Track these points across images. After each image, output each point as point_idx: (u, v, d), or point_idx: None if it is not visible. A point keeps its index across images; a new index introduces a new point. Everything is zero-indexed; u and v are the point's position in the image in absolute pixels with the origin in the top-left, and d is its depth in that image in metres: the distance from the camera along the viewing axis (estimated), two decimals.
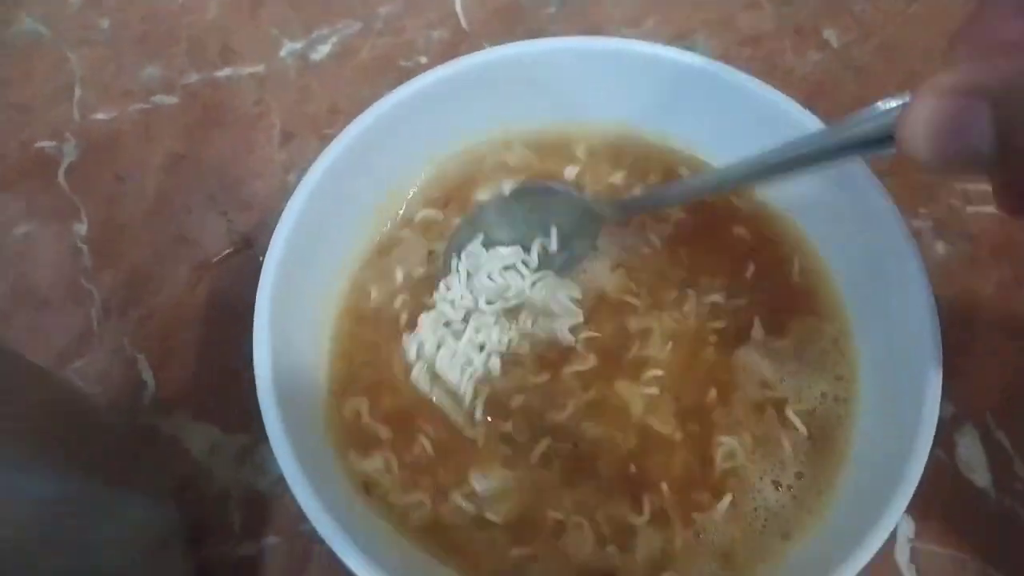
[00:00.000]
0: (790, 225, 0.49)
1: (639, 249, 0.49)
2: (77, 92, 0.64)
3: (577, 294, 0.47)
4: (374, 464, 0.43)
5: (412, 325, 0.47)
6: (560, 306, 0.46)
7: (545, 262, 0.49)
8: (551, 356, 0.46)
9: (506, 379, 0.45)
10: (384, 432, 0.44)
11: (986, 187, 0.56)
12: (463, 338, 0.46)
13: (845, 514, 0.41)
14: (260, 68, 0.64)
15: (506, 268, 0.48)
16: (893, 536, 0.45)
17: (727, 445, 0.43)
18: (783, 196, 0.50)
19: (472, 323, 0.46)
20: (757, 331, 0.47)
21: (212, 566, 0.45)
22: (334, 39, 0.66)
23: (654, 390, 0.45)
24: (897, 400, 0.41)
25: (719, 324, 0.47)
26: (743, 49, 0.65)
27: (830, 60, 0.64)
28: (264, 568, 0.45)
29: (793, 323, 0.47)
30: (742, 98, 0.47)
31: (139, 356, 0.52)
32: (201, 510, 0.47)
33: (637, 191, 0.51)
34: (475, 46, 0.49)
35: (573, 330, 0.46)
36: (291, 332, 0.43)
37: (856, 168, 0.44)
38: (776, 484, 0.43)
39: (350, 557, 0.35)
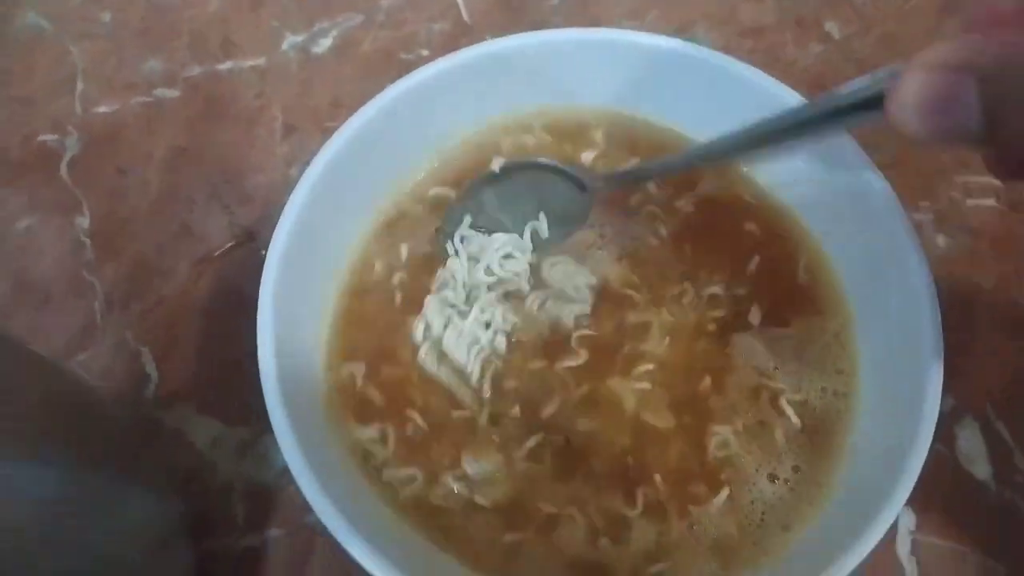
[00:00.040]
0: (795, 219, 0.49)
1: (646, 239, 0.49)
2: (79, 85, 0.64)
3: (592, 280, 0.47)
4: (370, 433, 0.44)
5: (414, 303, 0.47)
6: (576, 292, 0.47)
7: (537, 239, 0.49)
8: (552, 343, 0.46)
9: (511, 360, 0.46)
10: (379, 400, 0.45)
11: (987, 180, 0.57)
12: (469, 317, 0.46)
13: (845, 506, 0.41)
14: (261, 61, 0.64)
15: (505, 256, 0.48)
16: (894, 528, 0.46)
17: (721, 435, 0.43)
18: (788, 190, 0.50)
19: (477, 303, 0.46)
20: (754, 315, 0.47)
21: (216, 558, 0.45)
22: (335, 32, 0.66)
23: (646, 384, 0.45)
24: (898, 393, 0.41)
25: (718, 313, 0.47)
26: (744, 41, 0.65)
27: (831, 52, 0.64)
28: (267, 560, 0.46)
29: (795, 319, 0.47)
30: (745, 90, 0.48)
31: (142, 349, 0.52)
32: (205, 502, 0.47)
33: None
34: (477, 39, 0.49)
35: (578, 319, 0.46)
36: (294, 326, 0.43)
37: (859, 161, 0.45)
38: (772, 477, 0.43)
39: (354, 547, 0.35)
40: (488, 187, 0.49)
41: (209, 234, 0.57)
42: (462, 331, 0.45)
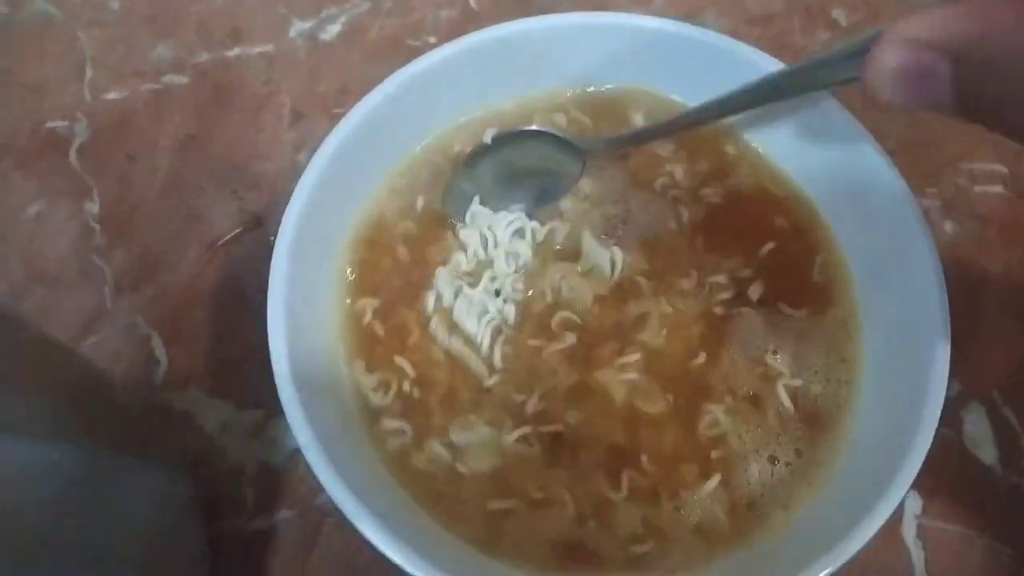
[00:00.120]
0: (809, 206, 0.49)
1: (667, 223, 0.49)
2: (88, 72, 0.64)
3: (620, 263, 0.47)
4: (373, 381, 0.45)
5: (425, 279, 0.47)
6: (597, 272, 0.47)
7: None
8: (551, 323, 0.46)
9: (517, 335, 0.46)
10: (387, 361, 0.46)
11: (994, 167, 0.57)
12: (479, 286, 0.46)
13: (848, 489, 0.41)
14: (269, 48, 0.64)
15: (515, 231, 0.49)
16: (900, 513, 0.46)
17: (713, 414, 0.43)
18: (801, 177, 0.50)
19: (488, 272, 0.47)
20: (755, 291, 0.47)
21: (226, 539, 0.46)
22: (343, 19, 0.66)
23: (633, 375, 0.44)
24: (904, 379, 0.41)
25: (724, 296, 0.47)
26: (752, 28, 0.65)
27: (839, 39, 0.64)
28: (277, 541, 0.46)
29: (802, 306, 0.47)
30: (753, 74, 0.47)
31: (152, 333, 0.52)
32: (214, 485, 0.47)
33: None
34: (484, 26, 0.49)
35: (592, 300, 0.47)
36: (304, 308, 0.43)
37: (869, 148, 0.45)
38: (773, 459, 0.43)
39: (365, 525, 0.36)
40: (482, 159, 0.50)
41: (218, 220, 0.57)
42: (472, 300, 0.46)
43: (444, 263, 0.48)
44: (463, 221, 0.49)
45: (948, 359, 0.40)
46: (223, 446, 0.49)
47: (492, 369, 0.45)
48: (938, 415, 0.38)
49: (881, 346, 0.45)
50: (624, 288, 0.47)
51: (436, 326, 0.46)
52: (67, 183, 0.59)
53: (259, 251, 0.53)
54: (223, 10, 0.67)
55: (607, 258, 0.47)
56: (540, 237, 0.49)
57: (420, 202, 0.50)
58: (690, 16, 0.65)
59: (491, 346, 0.45)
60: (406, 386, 0.45)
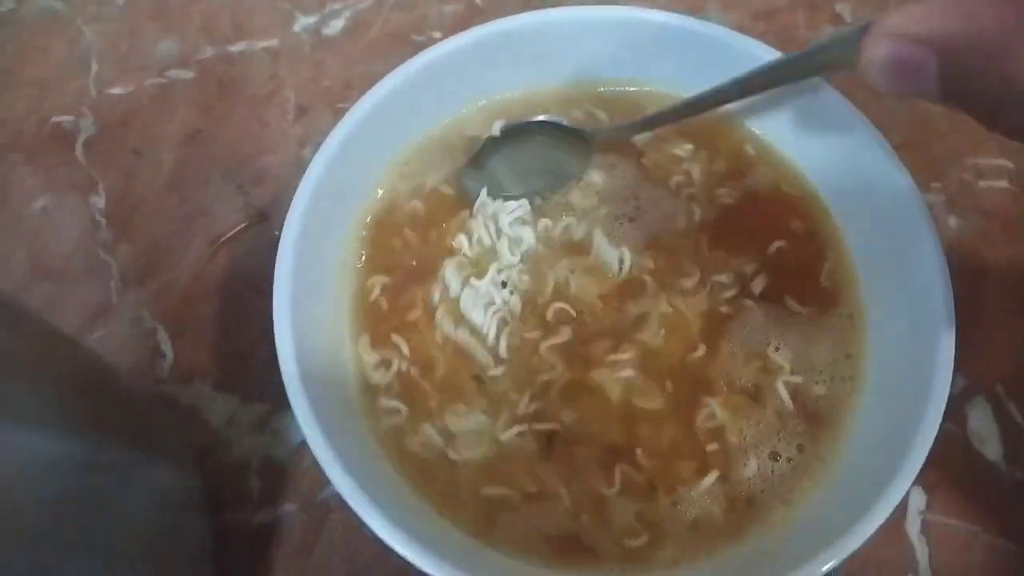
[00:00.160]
0: (819, 204, 0.49)
1: (676, 221, 0.49)
2: (93, 67, 0.64)
3: (628, 262, 0.47)
4: (374, 359, 0.45)
5: (431, 270, 0.48)
6: (615, 267, 0.47)
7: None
8: (552, 318, 0.46)
9: (523, 325, 0.46)
10: (386, 306, 0.47)
11: (999, 162, 0.57)
12: (486, 277, 0.46)
13: (851, 485, 0.41)
14: (274, 43, 0.64)
15: (519, 221, 0.49)
16: (904, 508, 0.46)
17: (711, 408, 0.44)
18: (815, 175, 0.50)
19: (495, 264, 0.47)
20: (758, 285, 0.47)
21: (231, 532, 0.46)
22: (347, 14, 0.66)
23: (628, 372, 0.44)
24: (908, 374, 0.41)
25: (730, 293, 0.47)
26: (756, 23, 0.65)
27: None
28: (281, 535, 0.46)
29: (808, 304, 0.47)
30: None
31: (158, 327, 0.53)
32: (220, 478, 0.47)
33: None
34: (488, 20, 0.49)
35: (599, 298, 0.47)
36: (309, 303, 0.43)
37: (875, 143, 0.45)
38: (774, 455, 0.43)
39: (372, 518, 0.36)
40: (491, 152, 0.50)
41: (223, 214, 0.57)
42: (479, 292, 0.46)
43: (452, 250, 0.48)
44: (474, 211, 0.49)
45: (952, 355, 0.40)
46: (228, 439, 0.49)
47: (497, 359, 0.45)
48: (942, 410, 0.38)
49: (886, 342, 0.45)
50: (629, 287, 0.47)
51: (442, 316, 0.46)
52: (73, 177, 0.59)
53: (264, 245, 0.53)
54: (227, 5, 0.67)
55: (616, 257, 0.47)
56: (544, 228, 0.49)
57: (429, 186, 0.50)
58: (694, 11, 0.64)
59: (497, 337, 0.45)
60: (404, 366, 0.45)
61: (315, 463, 0.37)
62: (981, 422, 0.49)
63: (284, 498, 0.47)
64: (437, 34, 0.64)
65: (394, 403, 0.44)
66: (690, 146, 0.51)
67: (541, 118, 0.51)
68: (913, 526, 0.46)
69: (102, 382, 0.42)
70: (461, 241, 0.48)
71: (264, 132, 0.60)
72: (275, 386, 0.39)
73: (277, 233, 0.43)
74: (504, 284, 0.47)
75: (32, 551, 0.31)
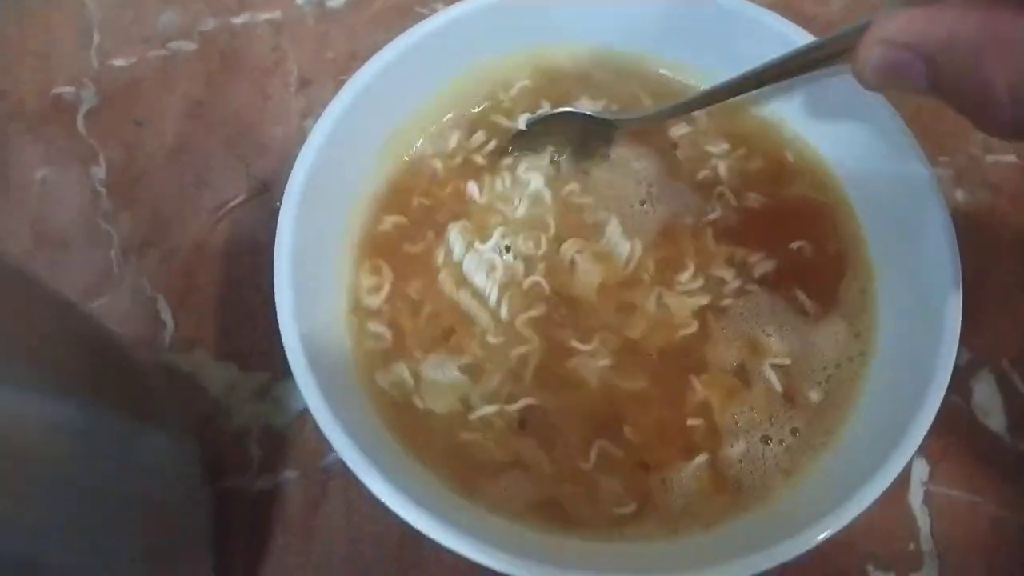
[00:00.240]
0: (838, 190, 0.49)
1: (690, 215, 0.49)
2: (95, 38, 0.63)
3: (637, 256, 0.47)
4: (371, 282, 0.46)
5: (435, 239, 0.48)
6: (623, 258, 0.47)
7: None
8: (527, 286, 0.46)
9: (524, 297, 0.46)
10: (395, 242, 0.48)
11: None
12: (489, 242, 0.46)
13: (854, 455, 0.41)
14: (277, 15, 0.64)
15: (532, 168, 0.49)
16: (907, 479, 0.46)
17: (700, 393, 0.44)
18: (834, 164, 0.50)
19: (499, 230, 0.47)
20: (762, 267, 0.47)
21: (231, 499, 0.46)
22: None
23: (606, 362, 0.44)
24: (914, 346, 0.41)
25: (733, 286, 0.46)
26: None
27: (852, 8, 0.63)
28: (282, 501, 0.46)
29: (815, 299, 0.47)
30: (761, 32, 0.48)
31: (158, 297, 0.53)
32: (220, 446, 0.48)
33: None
34: None
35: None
36: (310, 276, 0.43)
37: (891, 122, 0.44)
38: (765, 439, 0.43)
39: (371, 479, 0.36)
40: (517, 144, 0.50)
41: (224, 186, 0.57)
42: (482, 256, 0.46)
43: (458, 211, 0.48)
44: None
45: (959, 327, 0.39)
46: (229, 408, 0.49)
47: (498, 322, 0.45)
48: (947, 382, 0.38)
49: (895, 315, 0.45)
50: (630, 280, 0.47)
51: (445, 278, 0.46)
52: (74, 149, 0.58)
53: (266, 217, 0.53)
54: None
55: (627, 248, 0.47)
56: (559, 186, 0.49)
57: (433, 155, 0.51)
58: None
59: (498, 300, 0.45)
60: (399, 303, 0.46)
61: (315, 431, 0.37)
62: (985, 394, 0.49)
63: (284, 465, 0.47)
64: (440, 6, 0.64)
65: (381, 329, 0.45)
66: (726, 145, 0.51)
67: (567, 109, 0.50)
68: (916, 496, 0.46)
69: (103, 349, 0.42)
70: (472, 190, 0.48)
71: (267, 104, 0.60)
72: (275, 355, 0.39)
73: (278, 204, 0.43)
74: (508, 249, 0.46)
75: (30, 512, 0.31)
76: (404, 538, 0.45)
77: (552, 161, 0.50)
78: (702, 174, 0.50)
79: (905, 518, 0.46)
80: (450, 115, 0.52)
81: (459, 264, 0.46)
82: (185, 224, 0.55)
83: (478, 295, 0.46)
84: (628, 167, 0.50)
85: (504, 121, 0.51)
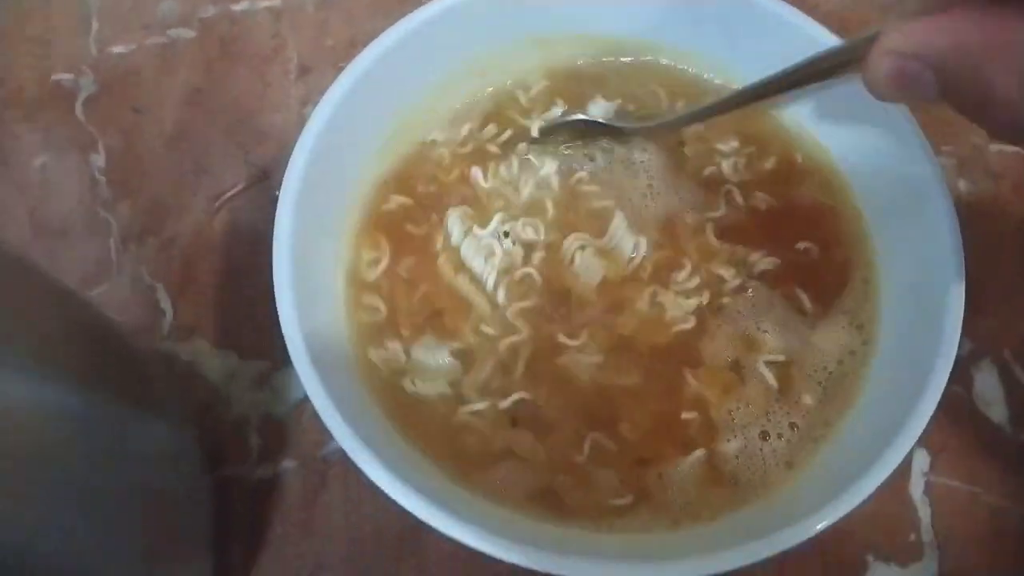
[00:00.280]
0: (843, 186, 0.49)
1: (694, 212, 0.48)
2: (94, 26, 0.63)
3: (642, 254, 0.47)
4: (370, 256, 0.47)
5: (435, 221, 0.48)
6: (627, 255, 0.47)
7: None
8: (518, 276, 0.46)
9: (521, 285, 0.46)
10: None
11: None
12: (488, 227, 0.46)
13: (854, 445, 0.41)
14: (277, 2, 0.63)
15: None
16: (908, 469, 0.46)
17: (695, 389, 0.44)
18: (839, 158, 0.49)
19: (498, 215, 0.47)
20: (761, 263, 0.46)
21: (230, 487, 0.46)
22: None
23: (597, 359, 0.44)
24: (916, 336, 0.41)
25: (733, 284, 0.46)
26: None
27: None
28: (281, 490, 0.46)
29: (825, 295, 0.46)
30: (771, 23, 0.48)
31: (157, 285, 0.52)
32: (219, 435, 0.47)
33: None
34: None
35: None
36: (310, 263, 0.43)
37: (905, 124, 0.44)
38: (793, 426, 0.43)
39: (371, 468, 0.36)
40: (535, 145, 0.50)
41: (224, 174, 0.56)
42: (480, 241, 0.46)
43: (464, 194, 0.48)
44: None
45: (961, 317, 0.39)
46: (228, 396, 0.49)
47: (495, 307, 0.45)
48: (948, 371, 0.38)
49: (896, 307, 0.45)
50: (630, 278, 0.47)
51: (444, 263, 0.46)
52: (73, 135, 0.58)
53: (265, 204, 0.53)
54: None
55: (632, 244, 0.47)
56: (567, 172, 0.49)
57: (438, 141, 0.51)
58: None
59: (495, 286, 0.45)
60: (396, 279, 0.46)
61: (314, 421, 0.37)
62: (987, 385, 0.49)
63: (283, 454, 0.47)
64: None
65: (376, 301, 0.45)
66: (735, 143, 0.50)
67: (581, 117, 0.50)
68: (917, 487, 0.46)
69: (102, 337, 0.42)
70: (476, 175, 0.48)
71: (266, 92, 0.60)
72: (275, 343, 0.39)
73: (278, 192, 0.43)
74: (506, 234, 0.46)
75: (29, 499, 0.31)
76: (403, 528, 0.45)
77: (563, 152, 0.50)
78: (708, 171, 0.50)
79: (906, 509, 0.45)
80: (459, 105, 0.51)
81: (458, 248, 0.46)
82: (184, 212, 0.55)
83: (476, 280, 0.46)
84: (632, 159, 0.50)
85: (519, 119, 0.51)
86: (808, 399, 0.43)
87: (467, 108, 0.51)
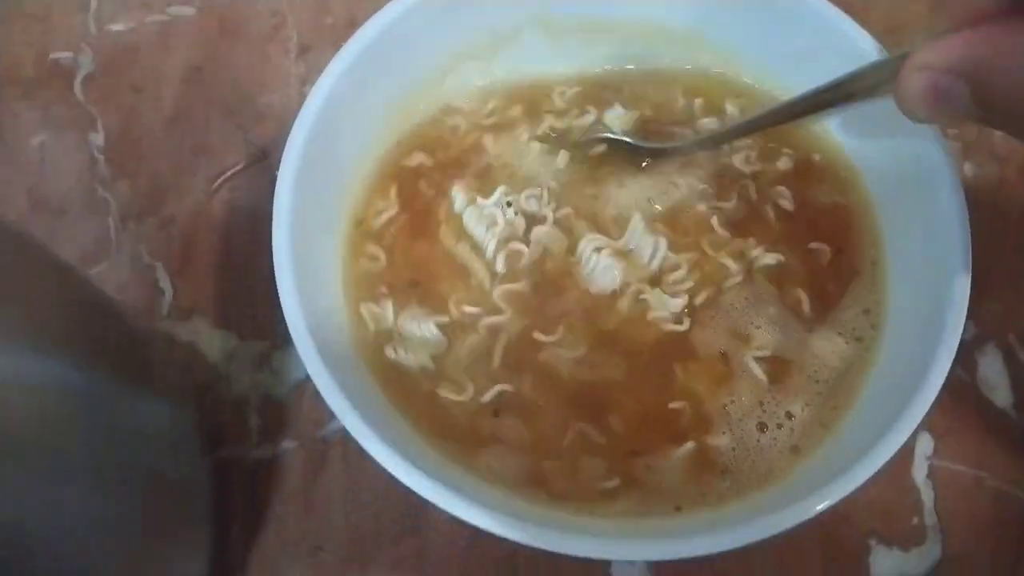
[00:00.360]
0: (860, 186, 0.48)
1: (701, 207, 0.48)
2: (93, 3, 0.62)
3: (661, 257, 0.46)
4: (378, 205, 0.47)
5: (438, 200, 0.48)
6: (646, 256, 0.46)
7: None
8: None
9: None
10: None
11: None
12: (491, 197, 0.46)
13: (859, 427, 0.41)
14: None
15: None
16: (911, 453, 0.46)
17: (683, 381, 0.43)
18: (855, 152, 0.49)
19: (501, 187, 0.47)
20: (765, 258, 0.46)
21: (229, 467, 0.46)
22: None
23: (580, 352, 0.44)
24: (921, 319, 0.41)
25: (734, 281, 0.46)
26: None
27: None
28: (280, 470, 0.46)
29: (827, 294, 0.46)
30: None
31: (157, 265, 0.52)
32: (219, 415, 0.47)
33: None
34: None
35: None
36: (310, 242, 0.43)
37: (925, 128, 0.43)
38: (790, 415, 0.43)
39: (372, 444, 0.35)
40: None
41: (223, 153, 0.56)
42: (483, 210, 0.46)
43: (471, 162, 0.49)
44: None
45: (966, 301, 0.39)
46: (228, 376, 0.49)
47: (493, 276, 0.45)
48: (953, 355, 0.38)
49: (902, 292, 0.44)
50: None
51: (446, 231, 0.46)
52: (71, 114, 0.58)
53: (264, 184, 0.53)
54: None
55: (651, 245, 0.46)
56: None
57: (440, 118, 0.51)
58: None
59: (495, 253, 0.45)
60: (399, 232, 0.47)
61: (314, 401, 0.37)
62: (991, 369, 0.48)
63: (283, 435, 0.47)
64: None
65: (376, 250, 0.46)
66: (748, 139, 0.50)
67: (602, 135, 0.49)
68: (920, 471, 0.46)
69: (102, 315, 0.42)
70: (487, 140, 0.48)
71: (266, 70, 0.59)
72: (275, 323, 0.39)
73: (277, 172, 0.42)
74: (509, 204, 0.46)
75: (27, 477, 0.30)
76: (403, 508, 0.45)
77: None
78: (721, 163, 0.49)
79: (909, 493, 0.45)
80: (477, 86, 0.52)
81: (459, 217, 0.46)
82: (183, 191, 0.55)
83: (476, 247, 0.46)
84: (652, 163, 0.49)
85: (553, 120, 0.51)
86: (811, 382, 0.43)
87: (486, 88, 0.52)
